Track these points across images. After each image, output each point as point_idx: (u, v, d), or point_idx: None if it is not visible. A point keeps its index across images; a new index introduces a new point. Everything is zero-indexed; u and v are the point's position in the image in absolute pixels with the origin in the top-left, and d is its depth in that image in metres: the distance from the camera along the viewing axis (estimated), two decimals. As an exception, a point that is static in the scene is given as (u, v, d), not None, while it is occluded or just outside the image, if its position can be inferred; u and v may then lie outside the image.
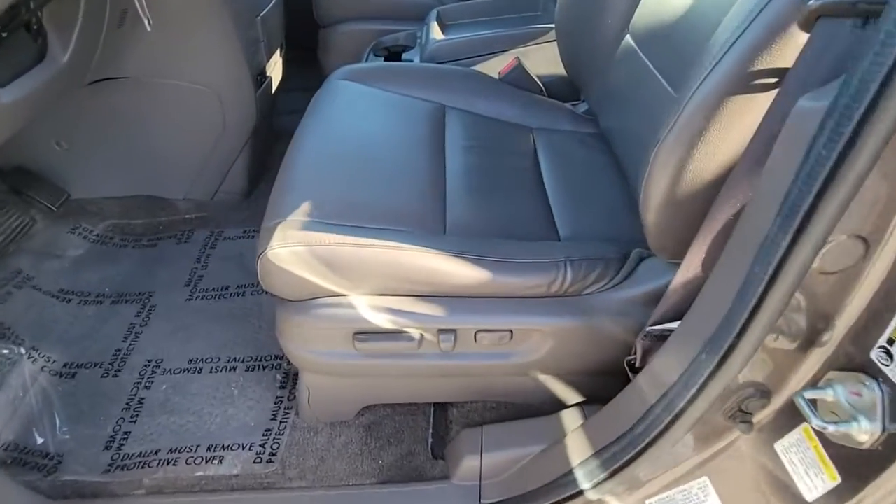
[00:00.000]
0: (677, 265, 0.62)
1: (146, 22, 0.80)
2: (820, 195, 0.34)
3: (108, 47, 0.93)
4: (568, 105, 1.04)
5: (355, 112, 0.88)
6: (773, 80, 0.46)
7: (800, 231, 0.36)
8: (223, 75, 1.08)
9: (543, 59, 1.10)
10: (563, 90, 1.07)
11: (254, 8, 1.08)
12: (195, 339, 1.00)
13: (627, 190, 0.80)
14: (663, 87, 0.67)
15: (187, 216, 1.27)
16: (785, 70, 0.44)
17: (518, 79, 1.03)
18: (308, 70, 1.51)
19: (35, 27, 0.78)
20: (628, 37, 0.82)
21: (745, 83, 0.46)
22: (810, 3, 0.40)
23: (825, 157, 0.33)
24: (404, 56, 1.24)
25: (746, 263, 0.42)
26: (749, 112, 0.47)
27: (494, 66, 1.09)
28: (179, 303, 1.08)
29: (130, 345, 1.00)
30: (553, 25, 1.06)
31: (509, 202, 0.79)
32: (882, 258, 0.37)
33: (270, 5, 1.15)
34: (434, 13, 1.23)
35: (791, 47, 0.44)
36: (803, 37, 0.42)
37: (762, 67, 0.45)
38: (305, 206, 0.68)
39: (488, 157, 0.87)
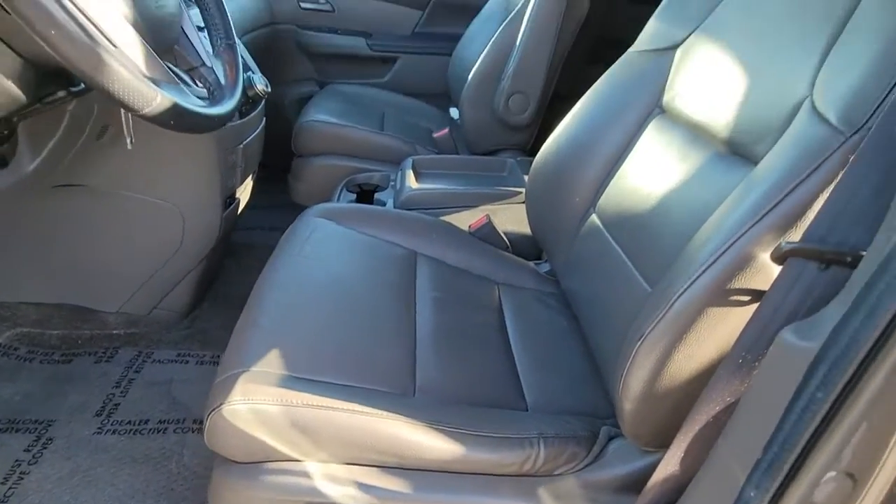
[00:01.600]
0: (649, 451, 0.61)
1: (129, 140, 0.79)
2: (817, 434, 0.36)
3: (78, 156, 0.90)
4: (531, 264, 1.09)
5: (328, 253, 0.88)
6: (754, 297, 0.50)
7: (797, 467, 0.37)
8: (192, 195, 1.06)
9: (511, 218, 1.17)
10: (527, 249, 1.13)
11: (238, 136, 1.10)
12: (94, 487, 0.85)
13: (589, 359, 0.82)
14: (635, 277, 0.71)
15: (115, 331, 1.15)
16: (762, 291, 0.48)
17: (487, 234, 1.09)
18: (274, 188, 1.53)
19: (5, 132, 0.74)
20: (594, 216, 0.88)
21: (727, 297, 0.51)
22: (783, 244, 0.46)
23: (820, 399, 0.35)
24: (377, 196, 1.28)
25: (736, 483, 0.42)
26: (733, 320, 0.51)
27: (464, 219, 1.14)
28: (84, 436, 0.92)
29: (10, 490, 0.82)
30: (521, 190, 1.15)
31: (478, 364, 0.78)
32: (870, 494, 0.39)
33: (254, 134, 1.18)
34: (410, 161, 1.30)
35: (765, 274, 0.49)
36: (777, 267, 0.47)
37: (742, 286, 0.50)
38: (271, 357, 0.63)
39: (457, 311, 0.87)
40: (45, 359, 1.07)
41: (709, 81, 0.73)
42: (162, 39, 0.64)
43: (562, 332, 0.90)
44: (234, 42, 0.78)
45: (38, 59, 0.54)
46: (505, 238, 1.11)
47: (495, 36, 1.35)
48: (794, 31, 0.62)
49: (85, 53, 0.47)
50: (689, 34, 0.79)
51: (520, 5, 1.35)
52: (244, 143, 1.12)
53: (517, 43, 1.31)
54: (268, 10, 1.80)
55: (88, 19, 0.49)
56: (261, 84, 1.10)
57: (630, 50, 0.89)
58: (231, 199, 1.16)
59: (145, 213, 1.05)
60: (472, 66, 1.65)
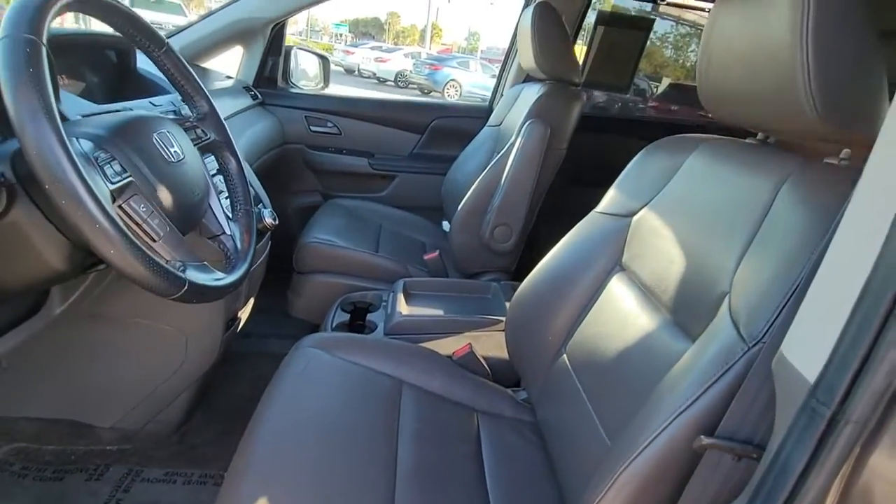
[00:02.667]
0: None
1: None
2: None
3: (99, 290, 0.99)
4: (510, 391, 1.16)
5: (319, 389, 0.95)
6: (683, 481, 0.57)
7: None
8: (196, 319, 1.15)
9: (493, 344, 1.26)
10: (507, 375, 1.20)
11: (244, 265, 1.21)
12: None
13: (559, 494, 0.86)
14: (597, 428, 0.76)
15: (108, 447, 1.18)
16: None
17: (469, 362, 1.17)
18: (272, 298, 1.62)
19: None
20: (565, 356, 0.96)
21: (663, 476, 0.57)
22: (701, 437, 0.54)
23: None
24: (368, 317, 1.37)
25: None
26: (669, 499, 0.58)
27: (449, 345, 1.23)
28: (66, 565, 0.94)
29: None
30: (502, 319, 1.24)
31: (454, 501, 0.83)
32: None
33: (259, 260, 1.29)
34: (401, 284, 1.41)
35: (691, 462, 0.57)
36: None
37: (674, 471, 0.57)
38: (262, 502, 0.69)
39: (437, 444, 0.93)
40: (37, 475, 1.10)
41: (657, 254, 0.82)
42: (193, 219, 0.76)
43: (535, 464, 0.96)
44: (252, 208, 0.91)
45: (86, 245, 0.65)
46: (486, 365, 1.19)
47: (483, 173, 1.51)
48: (724, 224, 0.69)
49: (122, 254, 0.56)
50: (642, 207, 0.90)
51: (506, 147, 1.53)
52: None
53: (502, 181, 1.47)
54: (281, 133, 2.00)
55: (130, 218, 0.61)
56: (269, 218, 1.22)
57: (595, 210, 1.02)
58: (232, 321, 1.25)
59: (151, 337, 1.13)
60: (464, 187, 1.81)
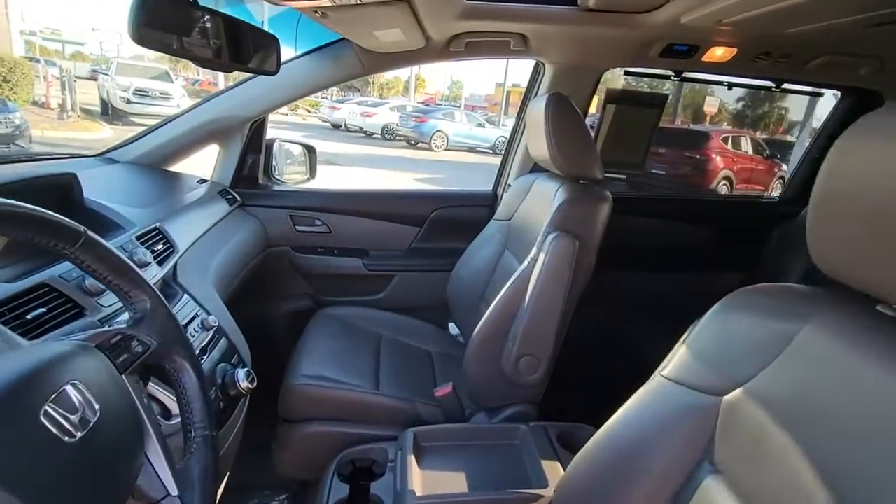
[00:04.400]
0: None
1: None
2: None
3: None
4: None
5: None
6: None
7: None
8: None
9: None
10: None
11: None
12: None
13: None
14: None
15: None
16: None
17: None
18: (255, 457, 1.34)
19: None
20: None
21: None
22: None
23: None
24: (373, 490, 1.10)
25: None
26: None
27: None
28: None
29: None
30: (544, 494, 0.99)
31: None
32: None
33: (229, 440, 1.03)
34: (410, 436, 1.15)
35: None
36: None
37: None
38: None
39: None
40: None
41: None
42: (120, 492, 0.51)
43: None
44: (213, 431, 0.66)
45: None
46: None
47: (500, 296, 1.28)
48: (876, 441, 0.48)
49: None
50: (737, 386, 0.64)
51: (526, 263, 1.29)
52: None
53: (525, 304, 1.24)
54: (263, 238, 1.78)
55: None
56: (245, 381, 0.98)
57: (660, 374, 0.75)
58: None
59: None
60: (472, 287, 1.59)
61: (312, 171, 2.02)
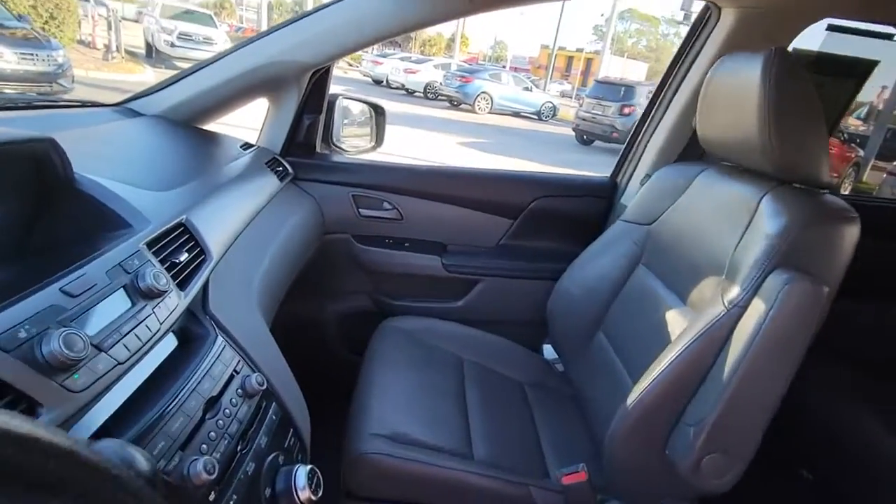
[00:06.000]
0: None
1: None
2: None
3: None
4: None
5: None
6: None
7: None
8: None
9: None
10: None
11: None
12: None
13: None
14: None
15: None
16: None
17: None
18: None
19: None
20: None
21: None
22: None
23: None
24: None
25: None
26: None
27: None
28: None
29: None
30: None
31: None
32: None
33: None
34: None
35: None
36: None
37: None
38: None
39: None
40: None
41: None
42: None
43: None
44: None
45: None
46: None
47: (674, 355, 0.84)
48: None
49: None
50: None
51: (717, 314, 0.85)
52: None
53: (721, 379, 0.81)
54: (321, 222, 1.39)
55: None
56: (307, 491, 0.62)
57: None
58: None
59: None
60: (586, 308, 1.19)
61: (380, 139, 1.61)
